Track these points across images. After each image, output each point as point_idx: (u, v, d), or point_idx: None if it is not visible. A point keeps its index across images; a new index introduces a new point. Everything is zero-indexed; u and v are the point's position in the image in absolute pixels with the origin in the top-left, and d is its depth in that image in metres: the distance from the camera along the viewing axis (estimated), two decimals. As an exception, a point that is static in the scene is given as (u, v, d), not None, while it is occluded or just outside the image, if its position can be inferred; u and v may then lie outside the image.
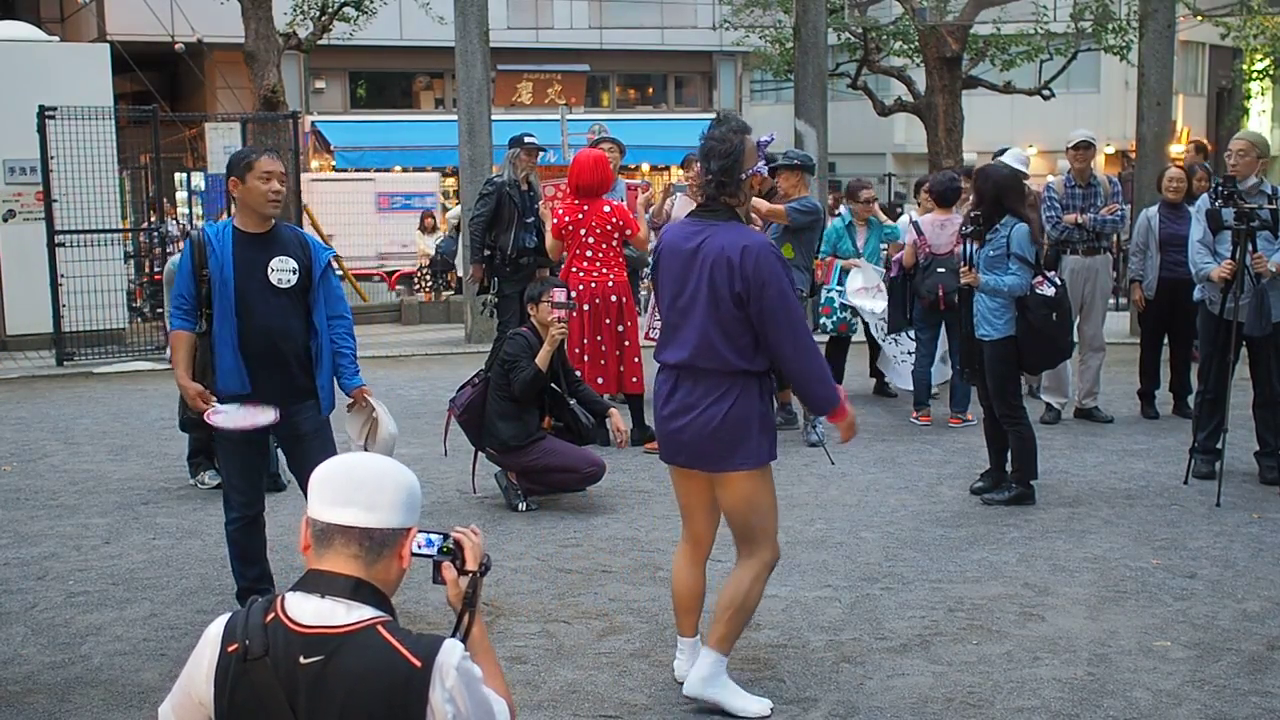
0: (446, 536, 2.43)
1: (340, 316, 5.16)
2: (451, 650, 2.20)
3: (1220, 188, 7.03)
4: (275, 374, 4.96)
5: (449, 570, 2.40)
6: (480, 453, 7.06)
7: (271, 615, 2.21)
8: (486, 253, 9.38)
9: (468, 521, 2.51)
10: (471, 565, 2.42)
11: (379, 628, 2.19)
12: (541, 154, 10.13)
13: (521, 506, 6.78)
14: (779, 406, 8.38)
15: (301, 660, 2.16)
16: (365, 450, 5.41)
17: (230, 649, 2.20)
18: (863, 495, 7.06)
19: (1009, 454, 6.90)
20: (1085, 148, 8.95)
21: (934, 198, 9.08)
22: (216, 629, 2.26)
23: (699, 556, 4.43)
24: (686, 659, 4.41)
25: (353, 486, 2.23)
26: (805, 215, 8.20)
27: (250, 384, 4.92)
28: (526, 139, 9.79)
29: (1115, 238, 9.28)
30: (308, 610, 2.19)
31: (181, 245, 5.09)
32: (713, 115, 4.60)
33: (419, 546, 2.37)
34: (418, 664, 2.16)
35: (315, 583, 2.22)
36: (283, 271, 4.96)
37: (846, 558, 5.92)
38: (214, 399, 4.92)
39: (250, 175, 4.92)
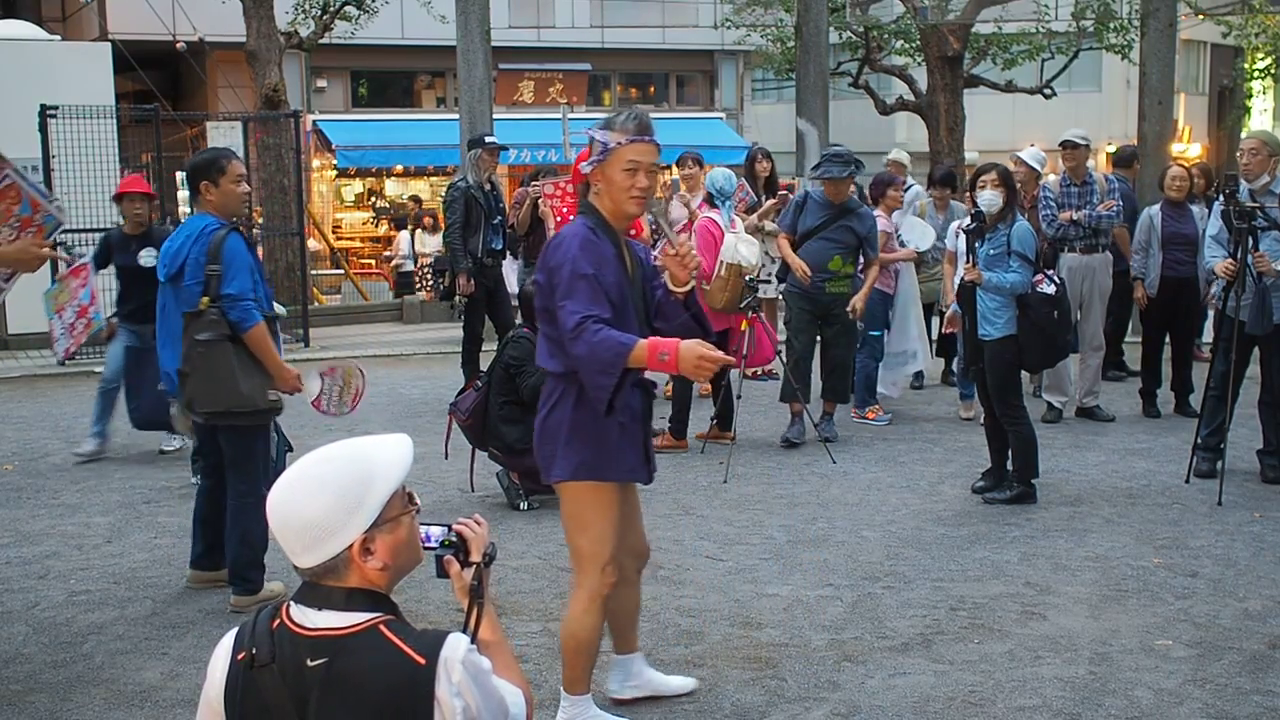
0: (449, 529, 2.39)
1: None
2: (456, 645, 2.17)
3: (1222, 187, 7.03)
4: None
5: (452, 564, 2.37)
6: (480, 451, 7.06)
7: (277, 622, 2.21)
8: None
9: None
10: (475, 556, 2.37)
11: (381, 627, 2.17)
12: (502, 152, 10.06)
13: (523, 505, 6.79)
14: (791, 417, 8.24)
15: (309, 662, 2.15)
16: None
17: (239, 658, 2.20)
18: (864, 494, 7.06)
19: (1010, 453, 6.89)
20: (1073, 147, 8.95)
21: (871, 196, 9.08)
22: (227, 640, 2.25)
23: (631, 568, 4.20)
24: (620, 675, 4.35)
25: (279, 536, 2.20)
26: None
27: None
28: (487, 139, 9.75)
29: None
30: (309, 615, 2.19)
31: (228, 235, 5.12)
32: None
33: (421, 541, 2.32)
34: (421, 661, 2.14)
35: (311, 597, 2.21)
36: None
37: (848, 556, 5.92)
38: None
39: (225, 179, 5.15)
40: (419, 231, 20.54)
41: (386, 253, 21.48)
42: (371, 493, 2.19)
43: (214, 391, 5.10)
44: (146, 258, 7.76)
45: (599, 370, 3.66)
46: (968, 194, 9.20)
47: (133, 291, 7.96)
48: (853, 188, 8.28)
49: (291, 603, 2.22)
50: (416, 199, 23.44)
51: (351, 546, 2.18)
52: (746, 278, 7.86)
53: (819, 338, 8.26)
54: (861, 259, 8.17)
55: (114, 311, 8.13)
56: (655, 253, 8.79)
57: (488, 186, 9.46)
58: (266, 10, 15.86)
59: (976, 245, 6.81)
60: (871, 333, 8.97)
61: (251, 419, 5.19)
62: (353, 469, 2.20)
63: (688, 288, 3.95)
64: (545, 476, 3.95)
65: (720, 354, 3.65)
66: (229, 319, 5.05)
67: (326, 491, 2.17)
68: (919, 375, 10.17)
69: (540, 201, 9.73)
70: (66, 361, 6.79)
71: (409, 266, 20.15)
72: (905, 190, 9.68)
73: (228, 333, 5.06)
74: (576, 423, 3.83)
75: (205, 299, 5.06)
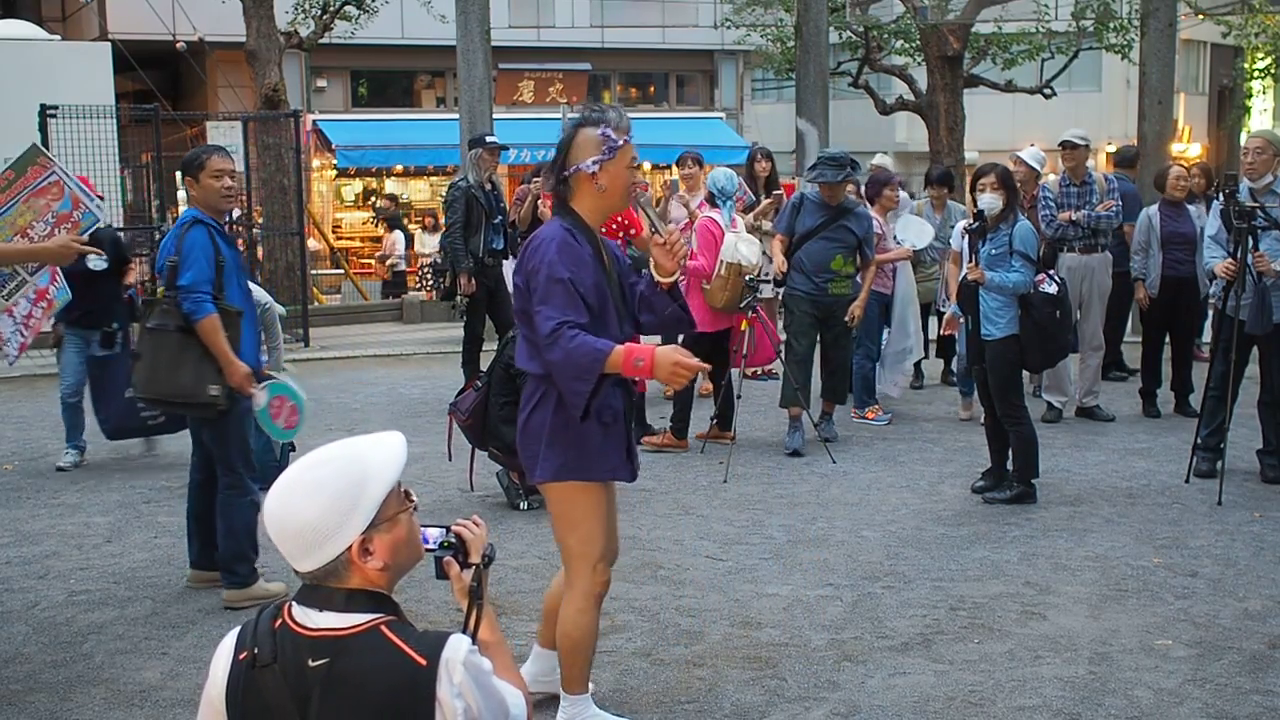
0: (447, 530, 2.39)
1: None
2: (457, 645, 2.17)
3: (1222, 186, 7.02)
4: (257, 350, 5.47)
5: (452, 565, 2.37)
6: (480, 451, 7.05)
7: (279, 622, 2.21)
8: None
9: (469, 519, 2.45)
10: (474, 558, 2.38)
11: (382, 628, 2.18)
12: (503, 152, 10.01)
13: (523, 505, 6.79)
14: (789, 421, 8.18)
15: (310, 663, 2.15)
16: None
17: (241, 657, 2.21)
18: (864, 494, 7.06)
19: (1010, 453, 6.89)
20: (1072, 147, 8.94)
21: (866, 197, 9.07)
22: (230, 639, 2.26)
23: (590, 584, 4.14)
24: (529, 665, 4.27)
25: (277, 541, 2.20)
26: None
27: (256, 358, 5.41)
28: (488, 139, 9.72)
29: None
30: (311, 616, 2.20)
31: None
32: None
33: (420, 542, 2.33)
34: (423, 662, 2.14)
35: (313, 598, 2.21)
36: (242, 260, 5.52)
37: (848, 556, 5.92)
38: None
39: (203, 174, 5.23)
40: (420, 231, 20.54)
41: (381, 252, 21.48)
42: (366, 494, 2.19)
43: (153, 379, 5.23)
44: (95, 261, 7.41)
45: (574, 376, 3.66)
46: (969, 194, 9.21)
47: (79, 296, 7.51)
48: (851, 187, 8.25)
49: (293, 603, 2.23)
50: (393, 197, 23.28)
51: (350, 548, 2.18)
52: (746, 277, 7.84)
53: (819, 340, 8.21)
54: (859, 259, 8.13)
55: (59, 317, 7.78)
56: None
57: (488, 186, 9.45)
58: (266, 10, 15.86)
59: (979, 245, 6.81)
60: (866, 336, 8.97)
61: (198, 411, 5.29)
62: (347, 470, 2.20)
63: (673, 278, 3.93)
64: (529, 477, 3.96)
65: (696, 361, 3.65)
66: (182, 310, 5.12)
67: (322, 494, 2.17)
68: (919, 375, 10.17)
69: (540, 200, 9.72)
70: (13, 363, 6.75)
71: (402, 266, 20.14)
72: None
73: (180, 323, 5.14)
74: (557, 424, 3.82)
75: (161, 289, 5.23)
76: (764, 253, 9.07)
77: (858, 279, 8.16)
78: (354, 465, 2.20)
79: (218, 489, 5.42)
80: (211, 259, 5.15)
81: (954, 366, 9.65)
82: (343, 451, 2.23)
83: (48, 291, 6.35)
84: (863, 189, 9.34)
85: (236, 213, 14.88)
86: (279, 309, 8.33)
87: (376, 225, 24.28)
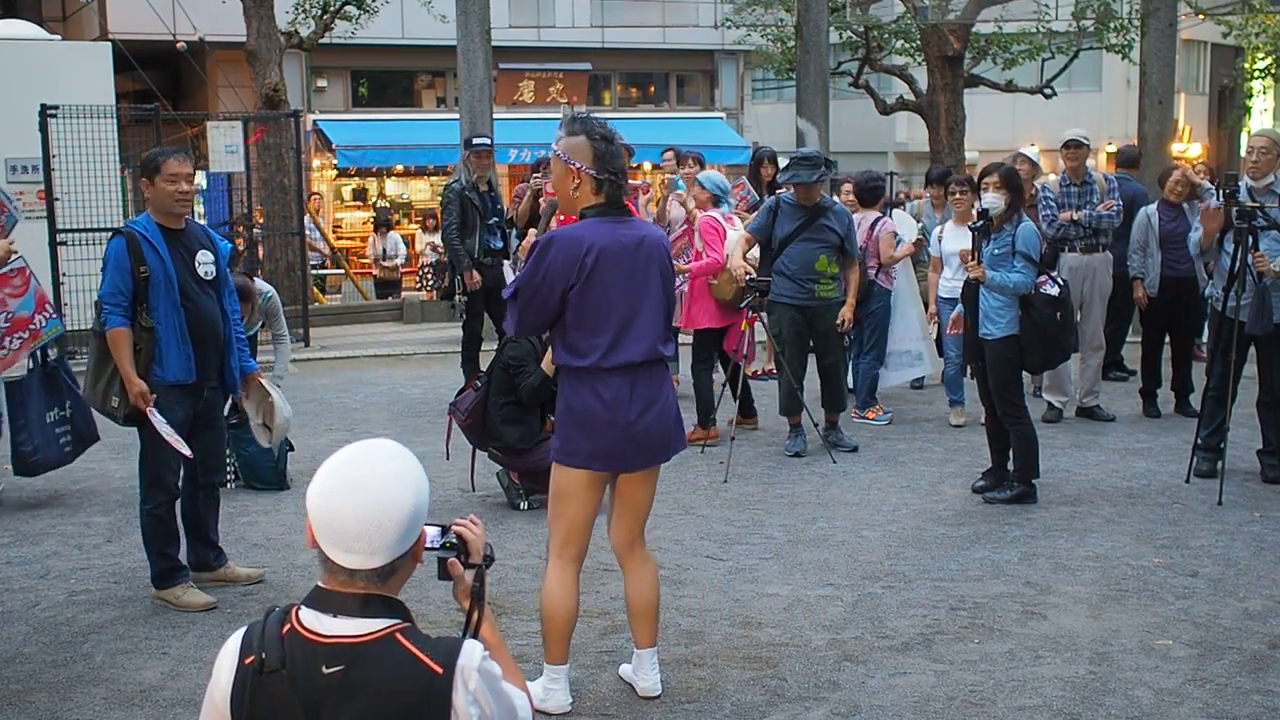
0: (444, 530, 2.37)
1: (234, 308, 5.55)
2: (472, 653, 2.18)
3: (1222, 186, 7.01)
4: (212, 360, 5.33)
5: (455, 566, 2.36)
6: (480, 451, 7.06)
7: (287, 627, 2.19)
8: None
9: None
10: (475, 559, 2.37)
11: (397, 635, 2.17)
12: (501, 151, 10.00)
13: (523, 505, 6.79)
14: (790, 429, 8.15)
15: (324, 669, 2.14)
16: (265, 427, 5.82)
17: (247, 661, 2.18)
18: (864, 494, 7.06)
19: (1011, 453, 6.89)
20: (1076, 147, 8.93)
21: (855, 196, 9.02)
22: (234, 642, 2.23)
23: (577, 574, 4.33)
24: (563, 689, 4.25)
25: (351, 537, 2.15)
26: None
27: (195, 372, 5.24)
28: (474, 140, 9.71)
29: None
30: (323, 622, 2.18)
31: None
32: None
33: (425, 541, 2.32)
34: (439, 670, 2.15)
35: (325, 602, 2.19)
36: (206, 264, 5.30)
37: (848, 556, 5.92)
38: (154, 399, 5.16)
39: (159, 178, 5.15)
40: (419, 231, 20.49)
41: (377, 254, 21.33)
42: (426, 488, 2.24)
43: (86, 384, 5.36)
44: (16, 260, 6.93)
45: None
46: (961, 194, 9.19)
47: None
48: (848, 187, 8.23)
49: (302, 607, 2.21)
50: (316, 193, 22.77)
51: (419, 540, 2.23)
52: (748, 276, 7.82)
53: (810, 344, 8.14)
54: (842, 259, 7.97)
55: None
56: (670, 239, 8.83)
57: (484, 187, 9.44)
58: (267, 10, 15.85)
59: (982, 244, 6.80)
60: (881, 337, 8.95)
61: (108, 417, 5.34)
62: (412, 466, 2.24)
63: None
64: (678, 447, 4.30)
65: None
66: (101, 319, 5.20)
67: (407, 486, 2.19)
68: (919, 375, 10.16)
69: (541, 199, 9.72)
70: None
71: (398, 262, 20.03)
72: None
73: (101, 330, 5.22)
74: None
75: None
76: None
77: (843, 281, 8.04)
78: (412, 461, 2.25)
79: (197, 489, 5.50)
80: (126, 271, 5.08)
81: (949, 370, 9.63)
82: (394, 448, 2.26)
83: (32, 320, 6.25)
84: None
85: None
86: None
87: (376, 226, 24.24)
